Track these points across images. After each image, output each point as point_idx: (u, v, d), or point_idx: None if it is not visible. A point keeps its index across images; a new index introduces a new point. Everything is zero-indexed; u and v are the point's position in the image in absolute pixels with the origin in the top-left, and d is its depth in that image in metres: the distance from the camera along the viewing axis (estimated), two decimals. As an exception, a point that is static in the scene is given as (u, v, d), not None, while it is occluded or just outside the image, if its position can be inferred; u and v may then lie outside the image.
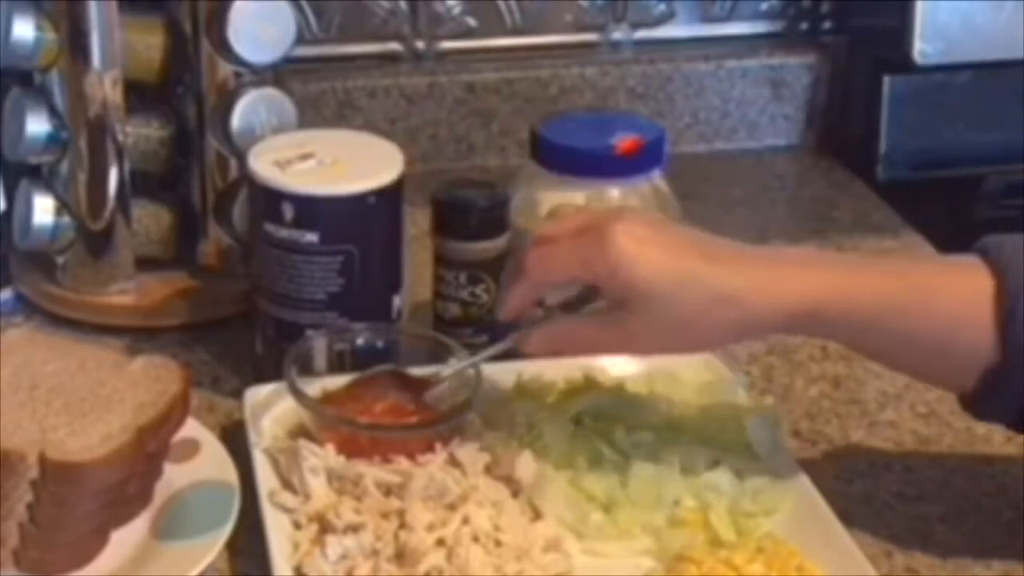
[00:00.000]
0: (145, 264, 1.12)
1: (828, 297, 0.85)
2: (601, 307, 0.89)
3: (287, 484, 0.89)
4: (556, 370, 0.98)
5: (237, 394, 0.97)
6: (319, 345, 0.96)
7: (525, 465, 0.90)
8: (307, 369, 0.95)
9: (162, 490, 0.89)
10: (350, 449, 0.90)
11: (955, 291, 0.86)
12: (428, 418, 0.93)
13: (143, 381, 0.88)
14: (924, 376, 0.93)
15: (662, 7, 1.43)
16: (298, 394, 0.92)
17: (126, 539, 0.86)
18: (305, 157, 0.99)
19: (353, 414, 0.92)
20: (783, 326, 0.87)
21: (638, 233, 0.85)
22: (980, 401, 0.87)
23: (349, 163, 0.99)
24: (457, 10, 1.38)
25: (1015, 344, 0.83)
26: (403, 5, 1.37)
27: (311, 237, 0.96)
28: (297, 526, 0.86)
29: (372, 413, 0.93)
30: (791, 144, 1.46)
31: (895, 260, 0.89)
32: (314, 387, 0.94)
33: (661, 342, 0.88)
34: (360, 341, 0.97)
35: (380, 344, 0.97)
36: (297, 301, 0.98)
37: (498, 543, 0.84)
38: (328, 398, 0.94)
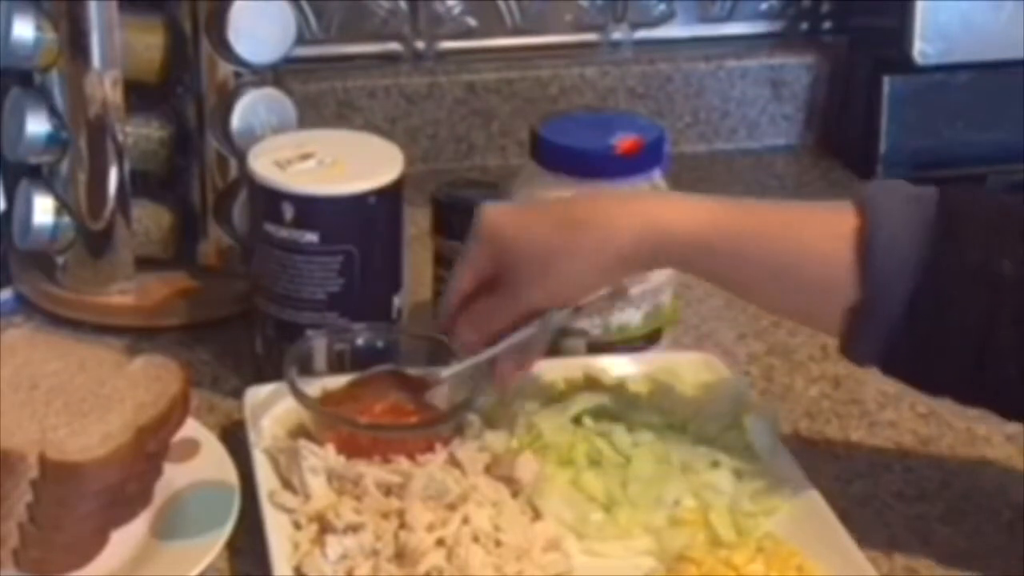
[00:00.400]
0: (145, 264, 1.12)
1: (686, 221, 0.87)
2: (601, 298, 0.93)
3: (287, 484, 0.89)
4: (556, 370, 0.99)
5: (237, 394, 0.97)
6: (319, 345, 0.96)
7: (525, 465, 0.90)
8: (307, 369, 0.95)
9: (162, 490, 0.89)
10: (350, 449, 0.90)
11: (821, 227, 0.85)
12: (428, 418, 0.93)
13: (143, 381, 0.88)
14: (796, 315, 0.93)
15: (662, 7, 1.43)
16: (298, 394, 0.92)
17: (126, 539, 0.86)
18: (305, 157, 0.99)
19: (353, 414, 0.92)
20: (645, 255, 0.88)
21: (503, 206, 0.93)
22: (850, 343, 0.86)
23: (349, 163, 0.99)
24: (457, 10, 1.38)
25: (873, 279, 0.83)
26: (403, 5, 1.37)
27: (311, 237, 0.96)
28: (297, 526, 0.86)
29: (372, 413, 0.93)
30: (791, 144, 1.46)
31: (768, 201, 0.91)
32: (314, 387, 0.94)
33: (541, 289, 0.89)
34: (360, 341, 0.97)
35: (380, 344, 0.97)
36: (297, 301, 0.98)
37: (498, 543, 0.84)
38: (328, 398, 0.94)
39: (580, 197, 0.94)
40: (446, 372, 0.94)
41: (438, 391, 0.94)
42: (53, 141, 1.07)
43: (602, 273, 0.90)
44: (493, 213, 0.91)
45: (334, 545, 0.84)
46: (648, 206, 0.89)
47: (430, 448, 0.90)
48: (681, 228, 0.87)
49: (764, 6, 1.46)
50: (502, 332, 0.92)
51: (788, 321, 1.14)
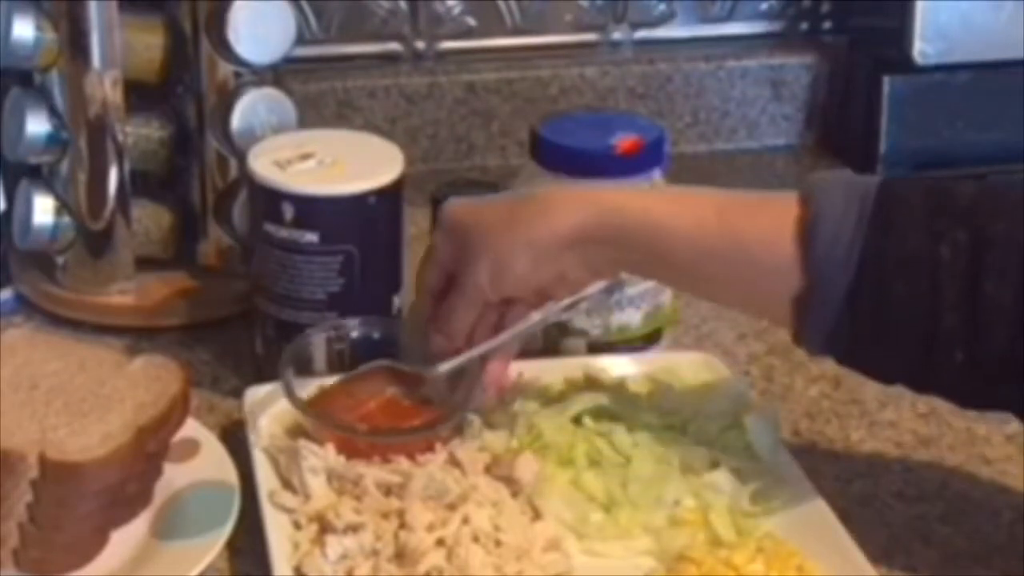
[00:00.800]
0: (145, 264, 1.12)
1: (632, 203, 0.87)
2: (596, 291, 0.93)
3: (287, 484, 0.89)
4: (556, 370, 0.99)
5: (237, 394, 0.97)
6: (318, 342, 0.96)
7: (525, 465, 0.89)
8: (306, 369, 0.94)
9: (162, 490, 0.89)
10: (349, 449, 0.90)
11: (767, 216, 0.86)
12: (428, 420, 0.92)
13: (143, 381, 0.88)
14: (745, 305, 0.93)
15: (662, 7, 1.43)
16: (293, 399, 0.92)
17: (126, 539, 0.86)
18: (305, 157, 0.99)
19: (348, 412, 0.92)
20: (585, 237, 0.87)
21: (464, 200, 0.93)
22: (799, 333, 0.86)
23: (349, 163, 0.99)
24: (457, 10, 1.38)
25: (816, 269, 0.83)
26: (403, 5, 1.37)
27: (311, 237, 0.96)
28: (297, 526, 0.86)
29: (367, 410, 0.92)
30: (791, 144, 1.46)
31: (715, 189, 0.91)
32: (311, 386, 0.94)
33: (485, 272, 0.89)
34: (356, 335, 0.97)
35: (377, 337, 0.97)
36: (297, 301, 0.98)
37: (498, 543, 0.84)
38: (323, 395, 0.93)
39: (538, 189, 0.95)
40: (442, 368, 0.94)
41: (434, 386, 0.94)
42: (53, 141, 1.07)
43: (541, 255, 0.88)
44: (453, 205, 0.92)
45: (334, 545, 0.84)
46: (597, 193, 0.90)
47: (430, 448, 0.90)
48: (627, 208, 0.87)
49: (764, 6, 1.46)
50: (468, 330, 0.92)
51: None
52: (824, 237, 0.83)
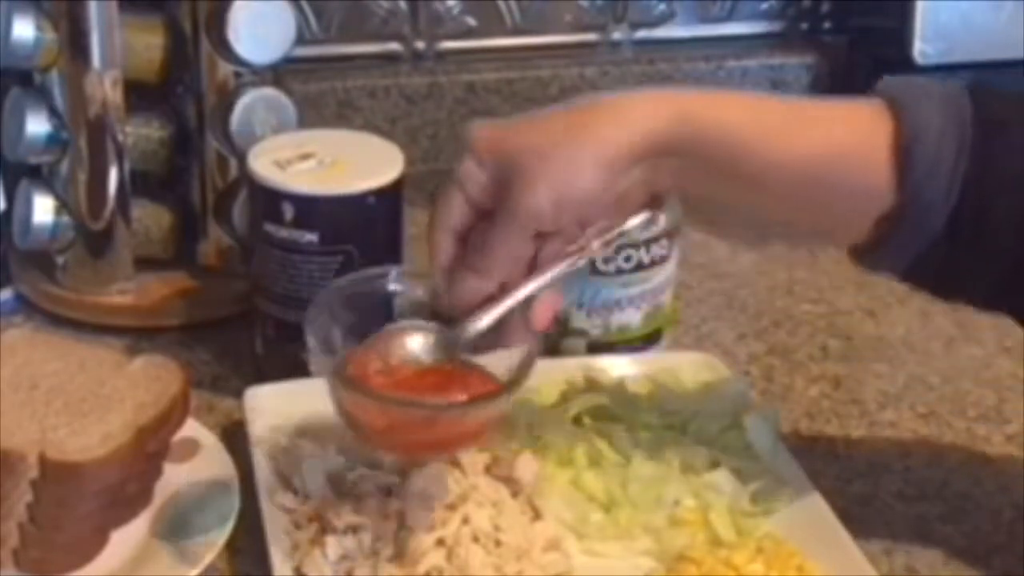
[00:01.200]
0: (145, 264, 1.12)
1: (713, 107, 0.79)
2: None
3: (287, 484, 0.89)
4: (556, 370, 0.99)
5: (237, 394, 0.97)
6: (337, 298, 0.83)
7: (525, 465, 0.90)
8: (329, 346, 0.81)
9: (162, 490, 0.89)
10: (399, 430, 0.78)
11: (855, 128, 0.80)
12: (489, 390, 0.79)
13: (143, 381, 0.88)
14: (817, 221, 0.83)
15: (662, 7, 1.43)
16: (333, 372, 0.78)
17: (126, 539, 0.86)
18: (305, 157, 0.99)
19: (385, 383, 0.79)
20: (660, 145, 0.78)
21: (497, 120, 0.82)
22: (876, 251, 0.81)
23: (349, 163, 0.99)
24: (457, 10, 1.38)
25: (914, 192, 0.78)
26: (403, 5, 1.37)
27: (311, 237, 0.96)
28: (297, 526, 0.86)
29: (404, 378, 0.79)
30: (791, 144, 1.46)
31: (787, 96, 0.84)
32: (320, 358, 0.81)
33: (543, 187, 0.78)
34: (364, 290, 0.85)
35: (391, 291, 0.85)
36: (297, 301, 0.98)
37: (498, 543, 0.84)
38: (353, 372, 0.80)
39: (588, 98, 0.83)
40: (482, 322, 0.79)
41: (477, 348, 0.80)
42: (53, 141, 1.07)
43: (610, 165, 0.78)
44: (485, 129, 0.81)
45: (334, 545, 0.84)
46: (670, 96, 0.80)
47: (482, 433, 0.80)
48: (703, 116, 0.79)
49: (764, 6, 1.46)
50: (512, 269, 0.79)
51: (788, 321, 1.14)
52: (924, 160, 0.78)
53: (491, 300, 0.79)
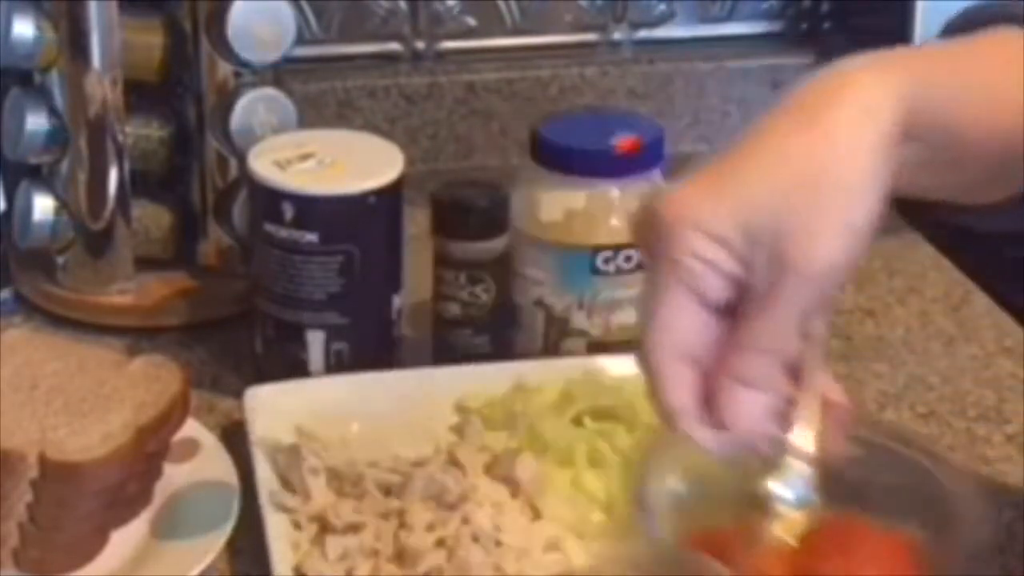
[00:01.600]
0: (145, 264, 1.12)
1: (924, 90, 0.66)
2: None
3: (287, 484, 0.89)
4: (556, 370, 0.98)
5: (237, 394, 0.97)
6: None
7: (525, 465, 0.89)
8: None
9: (162, 490, 0.89)
10: None
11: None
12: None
13: (143, 381, 0.88)
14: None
15: (662, 7, 1.43)
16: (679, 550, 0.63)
17: (126, 539, 0.86)
18: (305, 157, 0.99)
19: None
20: (900, 133, 0.65)
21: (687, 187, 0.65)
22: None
23: (349, 163, 0.99)
24: (457, 10, 1.38)
25: None
26: (403, 5, 1.37)
27: (311, 237, 0.96)
28: (297, 526, 0.86)
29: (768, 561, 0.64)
30: (791, 144, 1.46)
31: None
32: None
33: (811, 247, 0.61)
34: None
35: None
36: (297, 301, 0.98)
37: (498, 543, 0.84)
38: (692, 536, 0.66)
39: (781, 112, 0.70)
40: (802, 454, 0.61)
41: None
42: (53, 141, 1.07)
43: (882, 168, 0.63)
44: (690, 208, 0.63)
45: (334, 545, 0.84)
46: (891, 69, 0.66)
47: None
48: (933, 97, 0.66)
49: (764, 6, 1.46)
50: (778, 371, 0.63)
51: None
52: None
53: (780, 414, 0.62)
